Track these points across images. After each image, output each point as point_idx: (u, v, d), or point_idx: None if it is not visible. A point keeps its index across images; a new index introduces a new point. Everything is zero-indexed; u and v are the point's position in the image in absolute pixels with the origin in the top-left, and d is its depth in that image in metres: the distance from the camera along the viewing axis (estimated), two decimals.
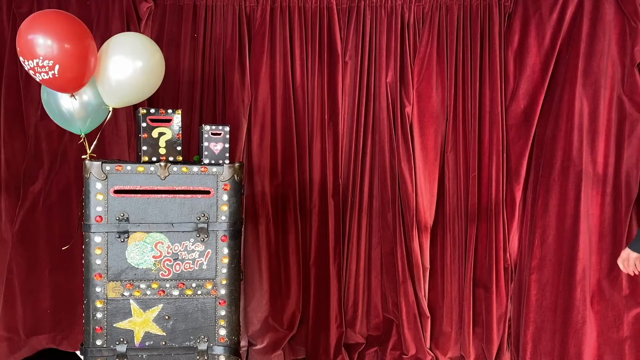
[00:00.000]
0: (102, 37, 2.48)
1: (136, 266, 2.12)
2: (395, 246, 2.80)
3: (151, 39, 2.25)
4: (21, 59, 2.00)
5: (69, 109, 2.19)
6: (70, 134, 2.63)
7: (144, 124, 2.14)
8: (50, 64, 1.95)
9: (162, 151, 2.16)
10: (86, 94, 2.18)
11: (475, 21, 2.70)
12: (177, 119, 2.17)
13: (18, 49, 1.99)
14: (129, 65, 2.09)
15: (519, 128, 2.71)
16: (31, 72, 2.01)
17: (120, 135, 2.71)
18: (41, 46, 1.94)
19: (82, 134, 2.27)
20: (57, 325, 2.77)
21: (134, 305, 2.14)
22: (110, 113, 2.25)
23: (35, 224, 2.69)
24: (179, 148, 2.18)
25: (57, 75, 1.98)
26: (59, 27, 1.97)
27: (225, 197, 2.14)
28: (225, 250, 2.16)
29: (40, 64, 1.95)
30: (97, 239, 2.09)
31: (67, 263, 2.70)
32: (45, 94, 2.23)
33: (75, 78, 2.04)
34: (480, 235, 2.80)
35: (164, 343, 2.17)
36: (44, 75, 1.99)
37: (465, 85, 2.73)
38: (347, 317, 2.90)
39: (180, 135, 2.18)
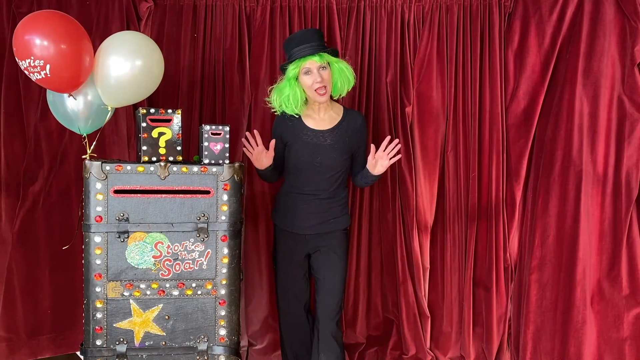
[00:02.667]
0: (102, 37, 2.47)
1: (136, 266, 2.13)
2: (396, 246, 2.80)
3: (150, 38, 2.26)
4: (17, 59, 2.01)
5: (74, 109, 2.20)
6: (70, 134, 2.64)
7: (143, 124, 2.14)
8: (41, 64, 1.96)
9: (162, 151, 2.16)
10: (90, 94, 2.19)
11: (475, 21, 2.70)
12: (177, 118, 2.17)
13: (14, 49, 2.00)
14: (127, 64, 2.09)
15: (519, 128, 2.71)
16: (26, 72, 2.02)
17: (120, 135, 2.71)
18: (32, 46, 1.96)
19: (84, 134, 2.27)
20: (57, 326, 2.77)
21: (133, 305, 2.14)
22: (111, 113, 2.25)
23: (35, 224, 2.69)
24: (179, 148, 2.18)
25: (49, 75, 1.99)
26: (50, 27, 1.98)
27: (225, 197, 2.14)
28: (225, 250, 2.16)
29: (32, 64, 1.97)
30: (97, 239, 2.09)
31: (67, 263, 2.70)
32: (51, 95, 2.23)
33: (70, 78, 2.05)
34: (480, 235, 2.80)
35: (164, 343, 2.17)
36: (37, 75, 2.00)
37: (465, 85, 2.73)
38: (347, 317, 2.90)
39: (180, 135, 2.18)
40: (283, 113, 2.40)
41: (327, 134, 2.37)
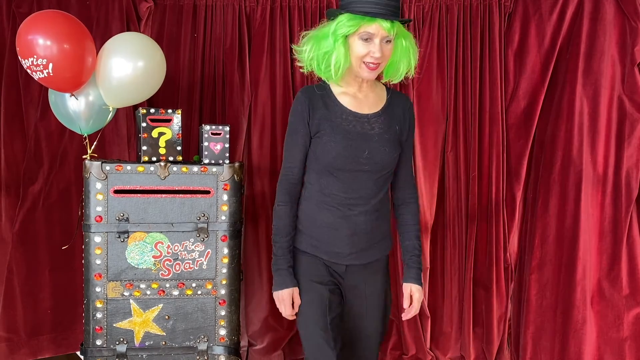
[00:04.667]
0: (102, 37, 2.49)
1: (136, 266, 2.13)
2: (395, 246, 2.80)
3: (152, 39, 2.26)
4: (20, 57, 2.03)
5: (75, 109, 2.20)
6: (70, 134, 2.64)
7: (143, 124, 2.14)
8: (44, 63, 1.97)
9: (162, 151, 2.16)
10: (91, 94, 2.19)
11: (475, 21, 2.70)
12: (177, 118, 2.17)
13: (17, 48, 2.01)
14: (130, 66, 2.10)
15: (519, 128, 2.71)
16: (28, 70, 2.04)
17: (120, 135, 2.71)
18: (35, 45, 1.98)
19: (85, 134, 2.28)
20: (57, 326, 2.77)
21: (134, 305, 2.14)
22: (113, 113, 2.25)
23: (35, 224, 2.69)
24: (179, 148, 2.18)
25: (51, 74, 2.00)
26: (53, 26, 2.00)
27: (225, 197, 2.14)
28: (225, 250, 2.16)
29: (34, 63, 1.98)
30: (97, 239, 2.09)
31: (67, 263, 2.70)
32: (53, 95, 2.24)
33: (72, 77, 2.05)
34: (480, 235, 2.80)
35: (164, 343, 2.17)
36: (39, 74, 2.01)
37: (465, 85, 2.73)
38: None
39: (180, 135, 2.18)
40: (310, 76, 1.80)
41: (374, 119, 1.75)
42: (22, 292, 2.69)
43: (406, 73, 1.75)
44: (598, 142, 2.47)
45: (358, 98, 1.75)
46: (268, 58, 2.73)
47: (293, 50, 1.73)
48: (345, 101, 1.74)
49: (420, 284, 1.84)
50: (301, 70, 1.77)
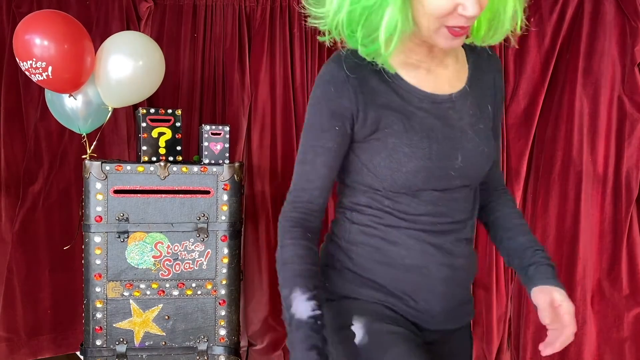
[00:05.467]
0: (101, 37, 2.48)
1: (136, 266, 2.13)
2: None
3: (151, 38, 2.26)
4: (18, 60, 2.01)
5: (73, 107, 2.20)
6: (70, 134, 2.64)
7: (143, 124, 2.14)
8: (43, 66, 1.96)
9: (162, 151, 2.16)
10: (89, 93, 2.19)
11: None
12: (177, 118, 2.17)
13: (15, 50, 2.01)
14: (128, 65, 2.10)
15: (519, 128, 2.71)
16: (27, 73, 2.02)
17: (120, 135, 2.71)
18: (34, 47, 1.96)
19: (84, 134, 2.28)
20: (57, 326, 2.77)
21: (133, 305, 2.14)
22: (110, 113, 2.25)
23: (35, 224, 2.69)
24: (179, 148, 2.18)
25: (50, 77, 1.99)
26: (51, 28, 1.99)
27: (225, 197, 2.14)
28: (225, 250, 2.16)
29: (33, 66, 1.97)
30: (97, 239, 2.09)
31: (67, 263, 2.70)
32: (50, 94, 2.24)
33: (71, 79, 2.05)
34: (480, 235, 2.80)
35: (163, 343, 2.17)
36: (38, 77, 2.00)
37: None
38: None
39: (180, 135, 2.18)
40: (342, 47, 1.10)
41: (460, 102, 1.09)
42: (22, 292, 2.69)
43: (511, 29, 1.10)
44: (598, 142, 2.47)
45: (431, 70, 1.07)
46: (268, 58, 2.73)
47: (303, 4, 1.08)
48: (412, 77, 1.05)
49: (563, 287, 1.16)
50: (319, 38, 1.08)
